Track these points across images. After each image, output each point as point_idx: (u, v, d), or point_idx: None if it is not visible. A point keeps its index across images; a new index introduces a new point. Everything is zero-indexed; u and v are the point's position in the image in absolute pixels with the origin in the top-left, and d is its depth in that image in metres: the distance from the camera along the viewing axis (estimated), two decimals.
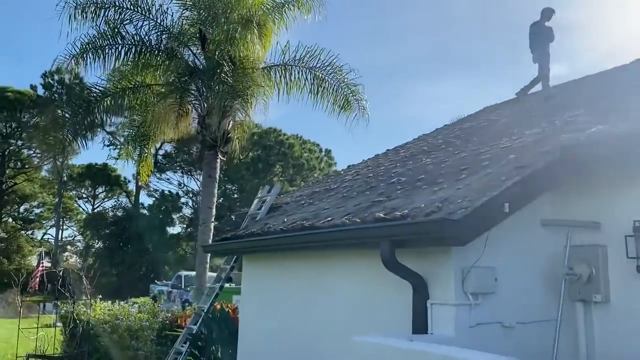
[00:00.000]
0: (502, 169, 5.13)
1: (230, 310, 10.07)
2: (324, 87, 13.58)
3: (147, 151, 14.69)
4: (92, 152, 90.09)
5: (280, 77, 13.53)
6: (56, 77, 39.17)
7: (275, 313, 7.10)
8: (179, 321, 10.44)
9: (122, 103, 12.66)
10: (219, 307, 9.62)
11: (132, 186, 44.69)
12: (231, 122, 13.17)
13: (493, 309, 4.64)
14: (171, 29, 12.62)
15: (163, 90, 13.38)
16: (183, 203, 44.45)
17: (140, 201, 42.59)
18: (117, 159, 44.57)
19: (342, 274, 5.83)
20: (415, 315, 4.80)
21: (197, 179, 47.05)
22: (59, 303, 10.58)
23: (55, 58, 11.88)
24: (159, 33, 12.53)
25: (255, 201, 10.13)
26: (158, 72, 13.11)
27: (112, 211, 42.46)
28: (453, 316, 4.52)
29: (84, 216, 47.27)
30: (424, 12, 58.00)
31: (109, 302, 10.70)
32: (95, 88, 12.29)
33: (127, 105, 12.96)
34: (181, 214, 44.99)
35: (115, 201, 43.51)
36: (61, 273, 11.29)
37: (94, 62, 12.01)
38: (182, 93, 12.44)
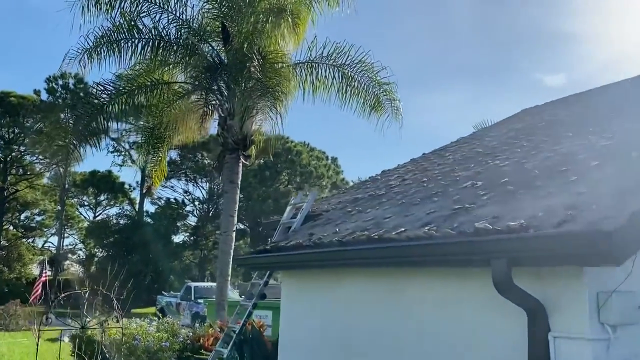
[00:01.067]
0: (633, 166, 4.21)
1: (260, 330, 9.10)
2: (353, 86, 12.66)
3: (161, 155, 13.75)
4: (95, 158, 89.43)
5: (306, 75, 12.60)
6: (60, 82, 38.33)
7: (334, 340, 6.10)
8: (201, 341, 9.46)
9: (137, 102, 11.71)
10: (250, 327, 8.63)
11: (136, 194, 43.75)
12: (253, 124, 12.24)
13: (635, 345, 3.69)
14: (191, 23, 11.71)
15: (182, 88, 12.46)
16: (188, 211, 43.52)
17: (144, 209, 41.62)
18: (121, 165, 43.77)
19: (427, 296, 4.86)
20: (533, 352, 3.84)
21: (202, 187, 46.19)
22: (70, 321, 9.56)
23: (66, 52, 10.95)
24: (178, 27, 11.63)
25: (288, 209, 9.16)
26: (177, 70, 12.19)
27: (116, 219, 41.46)
28: (587, 354, 3.57)
29: (85, 224, 46.30)
30: (424, 19, 57.34)
31: (125, 319, 9.70)
32: (109, 85, 11.33)
33: (143, 105, 12.01)
34: (184, 222, 44.05)
35: (119, 209, 42.52)
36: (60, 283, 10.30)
37: (109, 57, 11.10)
38: (208, 91, 11.52)
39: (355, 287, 5.88)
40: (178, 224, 41.16)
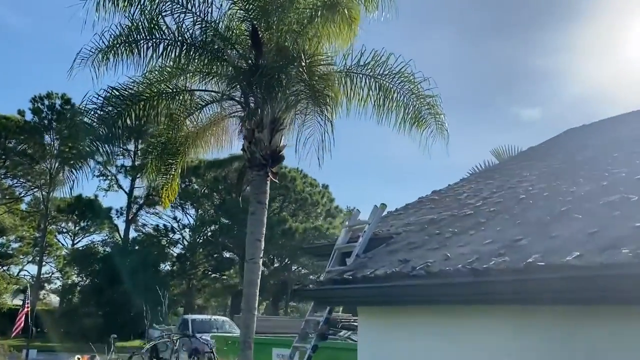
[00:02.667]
0: None
1: None
2: (391, 99, 11.49)
3: (173, 172, 12.33)
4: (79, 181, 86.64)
5: (340, 85, 11.41)
6: (47, 102, 36.70)
7: None
8: None
9: (159, 111, 10.35)
10: None
11: (122, 220, 41.84)
12: (282, 138, 10.94)
13: None
14: (217, 25, 10.49)
15: (201, 99, 11.17)
16: (176, 239, 41.71)
17: (131, 235, 39.73)
18: (107, 190, 41.95)
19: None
20: None
21: (190, 214, 44.45)
22: None
23: (78, 51, 9.60)
24: (202, 29, 10.39)
25: (344, 231, 7.83)
26: (196, 77, 10.92)
27: (101, 246, 39.43)
28: None
29: (63, 252, 44.12)
30: (402, 52, 57.19)
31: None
32: (125, 90, 9.94)
33: (162, 114, 10.66)
34: (172, 250, 42.19)
35: (105, 236, 40.49)
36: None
37: (126, 59, 9.78)
38: (244, 95, 10.30)
39: (494, 330, 4.53)
40: (166, 252, 39.27)
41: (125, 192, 41.18)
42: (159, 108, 10.39)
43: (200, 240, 41.11)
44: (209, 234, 41.23)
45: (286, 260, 42.27)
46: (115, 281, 34.47)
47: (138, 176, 41.02)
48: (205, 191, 42.63)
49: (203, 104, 11.45)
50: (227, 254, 40.94)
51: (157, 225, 40.16)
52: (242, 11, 10.77)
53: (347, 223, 7.99)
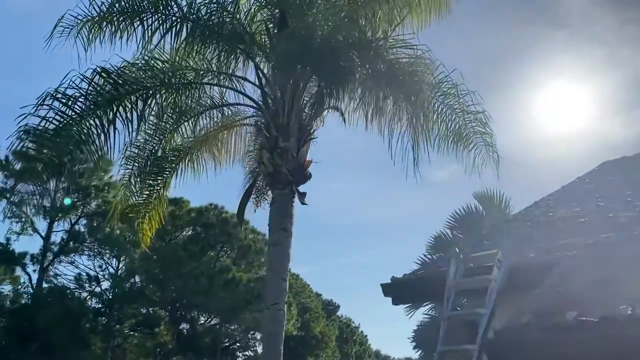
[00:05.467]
0: None
1: None
2: (424, 112, 9.66)
3: (157, 196, 9.68)
4: None
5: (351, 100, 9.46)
6: None
7: None
8: None
9: (161, 102, 7.84)
10: None
11: (34, 269, 36.73)
12: (309, 150, 8.73)
13: None
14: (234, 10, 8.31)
15: (213, 100, 8.81)
16: (99, 292, 37.11)
17: (46, 285, 34.83)
18: (19, 234, 36.89)
19: None
20: None
21: (110, 263, 39.98)
22: None
23: (60, 17, 7.04)
24: (214, 11, 8.17)
25: (453, 262, 5.68)
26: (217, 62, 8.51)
27: (9, 299, 34.13)
28: None
29: None
30: None
31: None
32: (120, 76, 7.35)
33: (165, 107, 8.14)
34: (92, 304, 37.40)
35: (16, 287, 35.15)
36: None
37: (123, 34, 7.31)
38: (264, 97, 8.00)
39: None
40: (88, 305, 34.64)
41: (42, 236, 36.41)
42: (162, 102, 7.89)
43: (127, 293, 36.77)
44: (137, 285, 37.06)
45: (221, 317, 38.67)
46: (26, 339, 29.55)
47: (57, 218, 36.74)
48: (132, 237, 38.58)
49: (209, 105, 9.06)
50: (156, 309, 36.79)
51: (79, 275, 35.52)
52: None
53: (459, 255, 5.80)
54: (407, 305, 19.62)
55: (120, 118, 7.16)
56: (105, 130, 7.05)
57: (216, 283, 32.97)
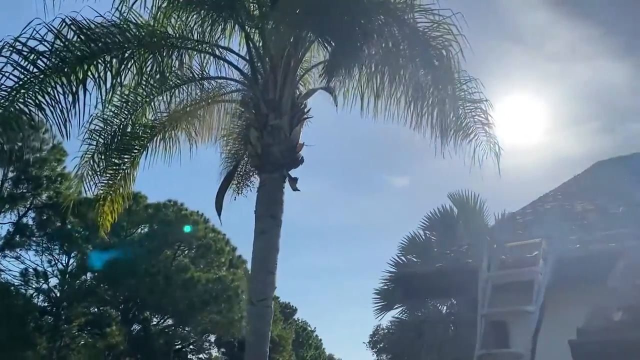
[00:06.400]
0: None
1: None
2: (426, 98, 8.97)
3: (121, 177, 8.62)
4: None
5: (360, 75, 8.71)
6: None
7: None
8: None
9: (137, 65, 6.78)
10: None
11: None
12: (302, 131, 7.86)
13: None
14: None
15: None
16: (46, 290, 35.00)
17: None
18: None
19: None
20: None
21: (59, 259, 37.86)
22: None
23: None
24: None
25: (487, 252, 4.92)
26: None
27: None
28: None
29: None
30: None
31: None
32: (91, 31, 6.21)
33: (144, 72, 7.08)
34: (39, 302, 35.25)
35: None
36: None
37: None
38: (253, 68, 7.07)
39: None
40: (34, 303, 32.57)
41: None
42: (141, 65, 6.85)
43: (76, 291, 34.82)
44: (88, 283, 35.19)
45: (176, 318, 37.14)
46: None
47: (2, 210, 34.55)
48: (85, 232, 36.65)
49: (189, 78, 8.07)
50: (108, 308, 35.00)
51: (26, 270, 33.39)
52: None
53: (492, 249, 5.02)
54: (377, 308, 19.01)
55: (92, 77, 6.11)
56: (74, 90, 6.00)
57: (173, 283, 31.55)
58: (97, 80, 6.09)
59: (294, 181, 7.56)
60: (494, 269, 4.55)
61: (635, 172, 8.78)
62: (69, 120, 5.99)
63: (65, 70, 6.05)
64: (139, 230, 36.63)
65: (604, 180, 8.10)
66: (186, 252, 36.02)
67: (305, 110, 7.83)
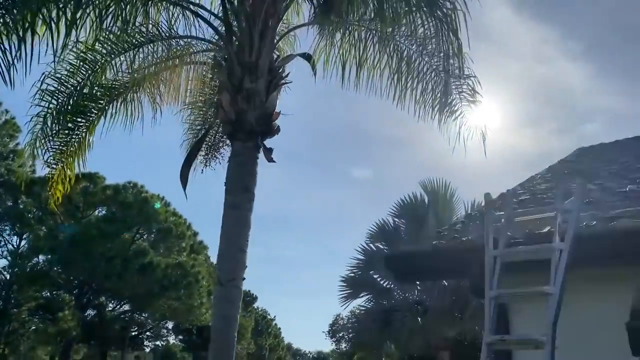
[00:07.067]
0: None
1: None
2: (412, 69, 8.42)
3: (77, 144, 7.78)
4: None
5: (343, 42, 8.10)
6: None
7: None
8: None
9: (96, 9, 5.93)
10: None
11: None
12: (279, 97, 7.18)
13: None
14: None
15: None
16: None
17: None
18: None
19: None
20: None
21: (10, 240, 36.11)
22: None
23: None
24: None
25: (491, 228, 4.38)
26: None
27: None
28: None
29: None
30: None
31: None
32: None
33: (104, 18, 6.24)
34: None
35: None
36: None
37: None
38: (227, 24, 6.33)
39: None
40: None
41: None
42: (102, 9, 6.03)
43: (28, 273, 33.24)
44: (41, 265, 33.65)
45: (133, 303, 35.97)
46: None
47: None
48: (38, 213, 35.01)
49: (154, 35, 7.27)
50: (61, 292, 33.55)
51: None
52: None
53: (494, 214, 4.48)
54: (342, 295, 18.53)
55: (43, 19, 5.27)
56: (21, 35, 5.15)
57: (131, 267, 30.38)
58: (49, 22, 5.26)
59: (269, 152, 6.88)
60: (502, 246, 3.99)
61: (623, 156, 8.47)
62: (14, 65, 5.15)
63: (11, 9, 5.20)
64: (96, 212, 35.22)
65: (595, 163, 7.72)
66: (145, 236, 34.79)
67: (284, 75, 7.16)
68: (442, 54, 8.11)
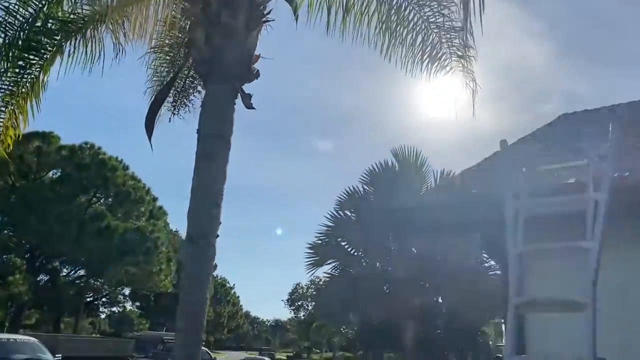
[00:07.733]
0: None
1: None
2: (401, 18, 7.79)
3: (30, 84, 6.90)
4: None
5: None
6: None
7: None
8: None
9: None
10: None
11: None
12: (259, 39, 6.46)
13: None
14: None
15: None
16: None
17: None
18: None
19: None
20: None
21: None
22: None
23: None
24: None
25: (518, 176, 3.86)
26: None
27: None
28: None
29: None
30: None
31: None
32: None
33: None
34: None
35: None
36: None
37: None
38: None
39: None
40: None
41: None
42: None
43: None
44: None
45: (89, 269, 34.82)
46: None
47: None
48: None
49: None
50: (12, 256, 32.08)
51: None
52: None
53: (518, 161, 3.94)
54: (309, 263, 18.09)
55: None
56: None
57: (87, 231, 29.22)
58: None
59: (247, 97, 6.19)
60: (525, 197, 3.48)
61: (613, 121, 8.10)
62: None
63: None
64: (50, 174, 33.65)
65: (592, 125, 7.31)
66: (103, 199, 33.51)
67: (265, 12, 6.43)
68: (433, 2, 7.55)
